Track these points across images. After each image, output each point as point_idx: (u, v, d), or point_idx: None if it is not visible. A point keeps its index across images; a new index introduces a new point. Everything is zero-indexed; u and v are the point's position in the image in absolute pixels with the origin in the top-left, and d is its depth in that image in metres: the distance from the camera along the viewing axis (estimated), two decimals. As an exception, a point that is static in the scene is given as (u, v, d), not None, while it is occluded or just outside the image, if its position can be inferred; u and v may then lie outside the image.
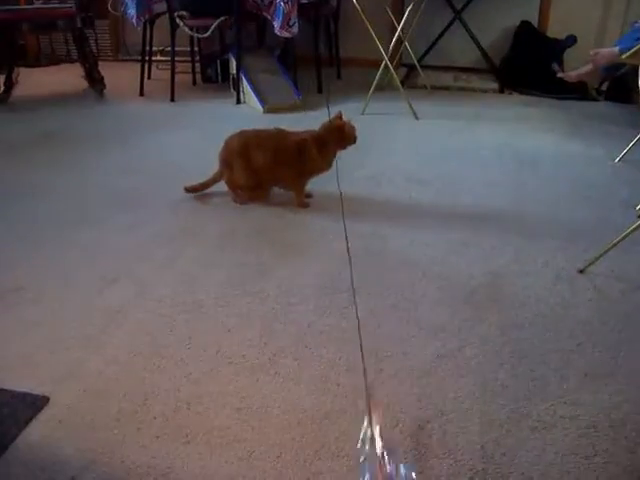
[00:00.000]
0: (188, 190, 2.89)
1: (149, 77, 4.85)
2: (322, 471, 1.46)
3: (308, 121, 3.89)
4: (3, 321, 2.02)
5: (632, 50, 1.92)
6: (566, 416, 1.63)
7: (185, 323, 2.00)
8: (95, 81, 4.59)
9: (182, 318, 2.03)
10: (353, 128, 2.82)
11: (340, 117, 2.82)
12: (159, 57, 5.21)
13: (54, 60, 4.59)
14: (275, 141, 2.79)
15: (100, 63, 4.72)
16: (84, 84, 4.64)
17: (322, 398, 1.69)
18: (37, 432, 1.57)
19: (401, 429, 1.59)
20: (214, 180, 2.89)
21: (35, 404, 1.65)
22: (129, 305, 2.09)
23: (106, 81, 4.63)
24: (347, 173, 3.20)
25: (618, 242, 2.23)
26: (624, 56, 1.95)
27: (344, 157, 3.38)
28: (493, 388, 1.73)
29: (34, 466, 1.47)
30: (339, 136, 2.78)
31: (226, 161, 2.83)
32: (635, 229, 2.20)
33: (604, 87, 4.56)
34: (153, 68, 5.01)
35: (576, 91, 4.51)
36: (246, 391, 1.71)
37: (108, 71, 4.73)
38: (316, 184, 2.91)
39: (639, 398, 1.70)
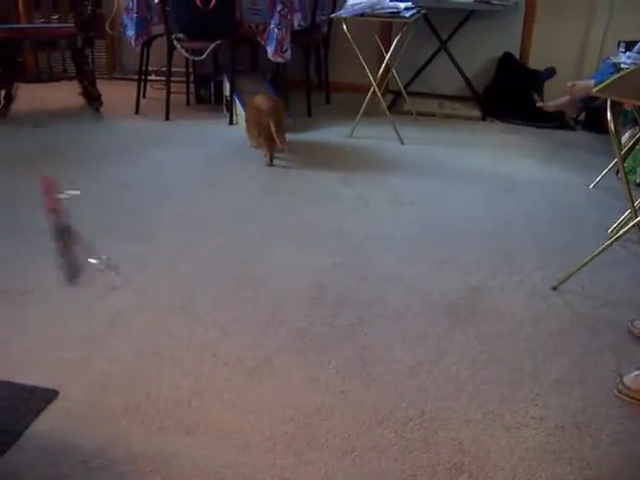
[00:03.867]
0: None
1: (144, 96, 4.97)
2: (313, 460, 1.60)
3: (297, 142, 4.07)
4: (11, 321, 2.15)
5: (601, 85, 2.09)
6: (537, 417, 1.78)
7: (183, 327, 2.13)
8: (92, 99, 4.70)
9: (180, 323, 2.16)
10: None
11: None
12: (154, 77, 5.34)
13: (54, 77, 4.70)
14: None
15: (97, 81, 4.84)
16: (81, 101, 4.76)
17: (313, 397, 1.83)
18: (48, 422, 1.70)
19: (386, 426, 1.73)
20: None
21: (45, 396, 1.77)
22: (130, 310, 2.23)
23: (103, 99, 4.75)
24: (335, 191, 3.36)
25: (588, 262, 2.39)
26: (594, 90, 2.12)
27: (332, 175, 3.54)
28: (470, 391, 1.88)
29: (46, 452, 1.60)
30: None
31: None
32: (604, 249, 2.36)
33: (581, 117, 4.73)
34: (148, 87, 5.13)
35: (554, 120, 4.69)
36: (242, 389, 1.85)
37: (104, 89, 4.84)
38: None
39: (604, 402, 1.86)
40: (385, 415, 1.76)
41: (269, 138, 3.69)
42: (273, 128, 3.63)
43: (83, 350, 2.00)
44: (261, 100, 3.83)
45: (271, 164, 3.73)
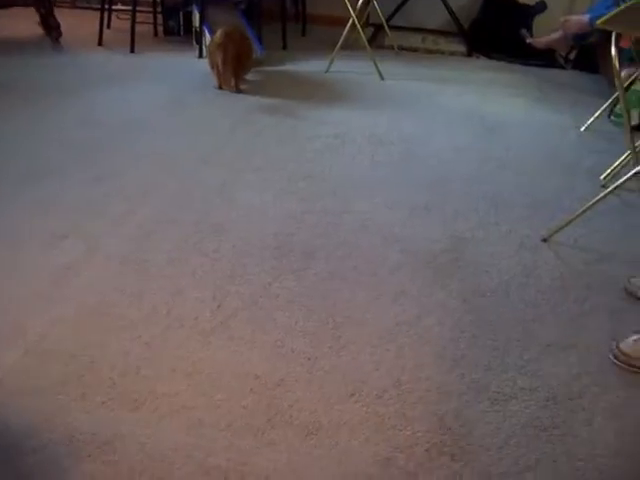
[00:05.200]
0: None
1: (109, 27, 4.65)
2: (275, 441, 1.41)
3: (271, 76, 3.81)
4: (-58, 277, 1.92)
5: (607, 16, 1.86)
6: (526, 387, 1.61)
7: (136, 283, 1.91)
8: (51, 28, 4.36)
9: (133, 277, 1.94)
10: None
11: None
12: (119, 6, 5.00)
13: (6, 2, 4.34)
14: None
15: (57, 9, 4.50)
16: (39, 31, 4.43)
17: (276, 364, 1.63)
18: (-26, 396, 1.49)
19: (357, 398, 1.54)
20: None
21: (-27, 366, 1.56)
22: (78, 263, 2.00)
23: (63, 29, 4.42)
24: (310, 130, 3.12)
25: (582, 212, 2.19)
26: (599, 22, 1.89)
27: (306, 114, 3.29)
28: (453, 357, 1.70)
29: (-31, 432, 1.39)
30: None
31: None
32: (599, 200, 2.16)
33: (572, 55, 4.51)
34: (113, 17, 4.80)
35: (544, 58, 4.45)
36: (197, 355, 1.65)
37: (65, 19, 4.51)
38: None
39: (598, 370, 1.68)
40: (357, 386, 1.57)
41: (219, 74, 3.61)
42: (220, 66, 3.55)
43: (20, 311, 1.77)
44: (220, 33, 3.59)
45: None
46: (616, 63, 1.92)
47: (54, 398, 1.49)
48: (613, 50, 1.90)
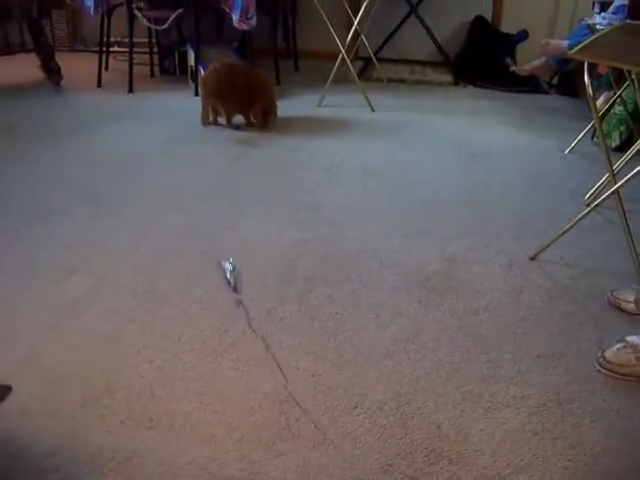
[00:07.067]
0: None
1: (107, 68, 4.80)
2: (283, 452, 1.51)
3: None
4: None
5: (578, 46, 1.99)
6: (517, 396, 1.71)
7: (146, 312, 2.02)
8: (52, 72, 4.52)
9: (143, 307, 2.05)
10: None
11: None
12: (117, 48, 5.17)
13: (9, 50, 4.50)
14: None
15: (56, 53, 4.66)
16: (40, 75, 4.58)
17: (282, 382, 1.73)
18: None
19: (360, 411, 1.64)
20: None
21: (-3, 393, 1.66)
22: (89, 295, 2.10)
23: (63, 72, 4.57)
24: (305, 162, 3.25)
25: (567, 230, 2.31)
26: (571, 52, 2.02)
27: (302, 146, 3.42)
28: (448, 371, 1.80)
29: (-3, 454, 1.49)
30: None
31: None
32: (582, 217, 2.28)
33: (555, 81, 4.66)
34: (111, 59, 4.96)
35: (528, 84, 4.61)
36: (207, 376, 1.75)
37: (65, 62, 4.67)
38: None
39: (586, 377, 1.78)
40: (359, 399, 1.67)
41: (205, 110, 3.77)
42: (202, 100, 3.75)
43: (38, 340, 1.88)
44: (207, 70, 3.79)
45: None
46: (590, 91, 2.04)
47: (74, 420, 1.59)
48: (586, 79, 2.02)
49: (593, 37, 2.07)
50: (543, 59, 4.11)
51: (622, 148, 3.26)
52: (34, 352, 1.83)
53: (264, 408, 1.64)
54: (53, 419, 1.59)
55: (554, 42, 3.92)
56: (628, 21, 2.70)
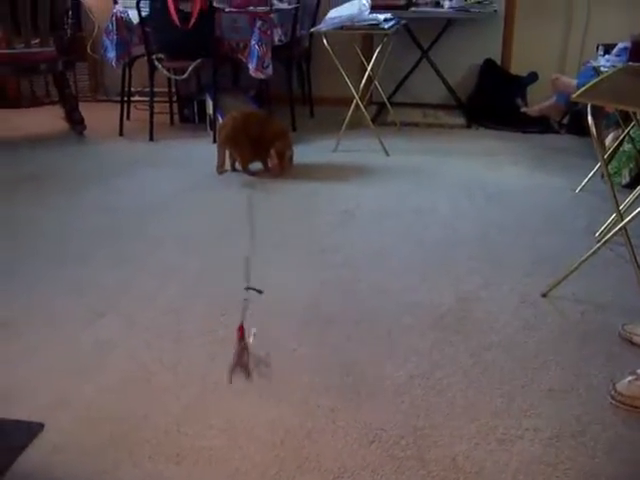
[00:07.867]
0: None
1: (128, 117, 4.95)
2: (305, 484, 1.57)
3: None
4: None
5: (579, 91, 2.08)
6: (531, 428, 1.76)
7: (172, 352, 2.10)
8: (75, 122, 4.69)
9: (169, 348, 2.13)
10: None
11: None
12: (138, 98, 5.33)
13: (35, 102, 4.68)
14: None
15: (80, 104, 4.83)
16: (64, 125, 4.74)
17: (303, 418, 1.80)
18: (33, 458, 1.66)
19: (377, 445, 1.70)
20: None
21: (30, 431, 1.74)
22: (117, 337, 2.19)
23: (86, 121, 4.74)
24: (322, 206, 3.35)
25: (578, 266, 2.37)
26: (574, 96, 2.11)
27: (318, 191, 3.52)
28: (463, 405, 1.86)
29: (32, 489, 1.56)
30: None
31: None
32: (593, 253, 2.34)
33: (565, 120, 4.74)
34: (132, 108, 5.11)
35: (539, 125, 4.69)
36: (231, 413, 1.82)
37: (87, 112, 4.84)
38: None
39: (598, 410, 1.83)
40: (377, 434, 1.74)
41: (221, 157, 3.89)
42: (217, 148, 3.88)
43: (68, 381, 1.96)
44: (227, 117, 3.94)
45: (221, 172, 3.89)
46: (594, 132, 2.12)
47: (104, 455, 1.67)
48: (590, 120, 2.10)
49: (595, 80, 2.15)
50: (553, 99, 4.20)
51: (632, 185, 3.33)
52: (66, 391, 1.91)
53: (285, 444, 1.70)
54: (83, 455, 1.67)
55: (564, 78, 4.00)
56: (630, 63, 2.79)
